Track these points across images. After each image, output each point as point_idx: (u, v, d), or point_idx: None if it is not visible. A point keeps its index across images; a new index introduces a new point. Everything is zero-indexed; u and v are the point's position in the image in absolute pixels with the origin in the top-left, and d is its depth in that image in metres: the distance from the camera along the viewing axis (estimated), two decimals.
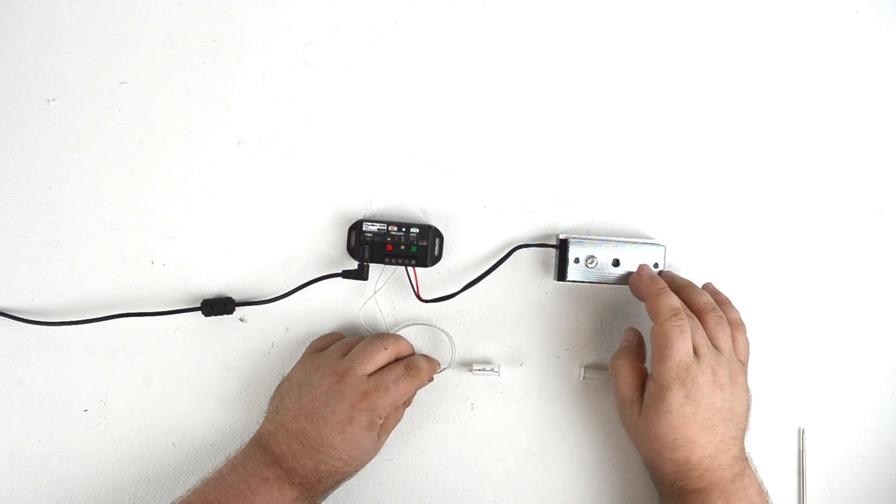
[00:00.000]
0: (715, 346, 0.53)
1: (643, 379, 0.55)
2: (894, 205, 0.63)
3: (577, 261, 0.58)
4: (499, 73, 0.60)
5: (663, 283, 0.55)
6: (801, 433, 0.63)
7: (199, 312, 0.59)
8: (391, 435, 0.57)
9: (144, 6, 0.59)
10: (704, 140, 0.61)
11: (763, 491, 0.54)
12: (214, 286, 0.60)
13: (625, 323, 0.61)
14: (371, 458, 0.56)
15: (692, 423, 0.51)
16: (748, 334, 0.56)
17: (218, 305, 0.59)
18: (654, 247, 0.59)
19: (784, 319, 0.62)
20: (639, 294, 0.57)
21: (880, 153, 0.62)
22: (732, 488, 0.52)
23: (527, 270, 0.61)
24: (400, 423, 0.58)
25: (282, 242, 0.60)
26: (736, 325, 0.55)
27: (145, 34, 0.59)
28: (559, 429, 0.62)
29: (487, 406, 0.61)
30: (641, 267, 0.58)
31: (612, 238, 0.58)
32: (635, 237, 0.60)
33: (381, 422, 0.54)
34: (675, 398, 0.50)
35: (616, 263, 0.58)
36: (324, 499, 0.55)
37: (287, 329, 0.61)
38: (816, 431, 0.63)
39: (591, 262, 0.58)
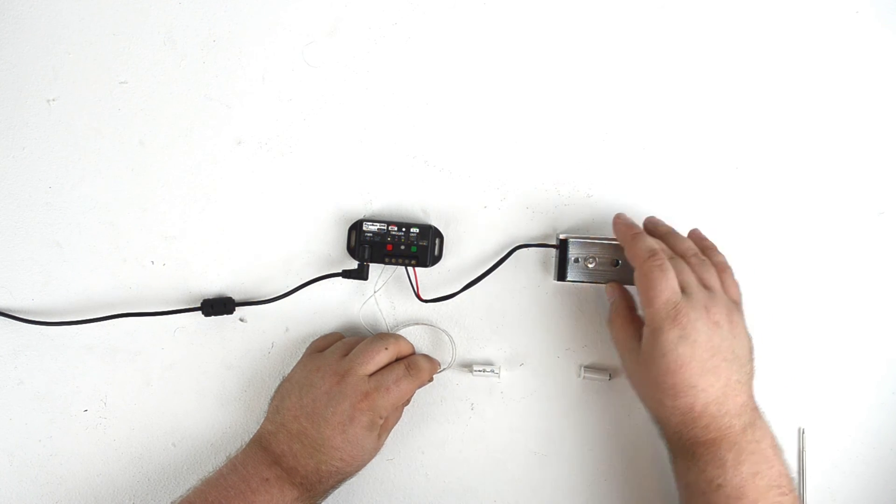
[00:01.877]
0: (704, 286, 0.50)
1: (637, 329, 0.52)
2: (894, 205, 0.63)
3: (576, 261, 0.58)
4: (499, 73, 0.60)
5: (639, 228, 0.54)
6: (801, 433, 0.63)
7: (199, 312, 0.59)
8: (391, 435, 0.57)
9: (144, 6, 0.59)
10: (704, 140, 0.61)
11: (777, 445, 0.50)
12: (214, 286, 0.60)
13: None
14: (371, 458, 0.56)
15: (691, 364, 0.47)
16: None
17: (218, 305, 0.59)
18: None
19: (784, 319, 0.62)
20: (619, 239, 0.55)
21: (880, 153, 0.62)
22: (743, 440, 0.48)
23: (527, 270, 0.61)
24: (400, 424, 0.58)
25: (282, 242, 0.60)
26: (722, 268, 0.53)
27: (145, 34, 0.59)
28: (559, 429, 0.61)
29: (487, 406, 0.61)
30: (617, 215, 0.55)
31: (612, 238, 0.58)
32: None
33: (381, 422, 0.54)
34: (669, 338, 0.47)
35: (616, 263, 0.58)
36: (324, 499, 0.55)
37: (287, 329, 0.61)
38: (816, 431, 0.63)
39: (591, 262, 0.58)
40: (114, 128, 0.59)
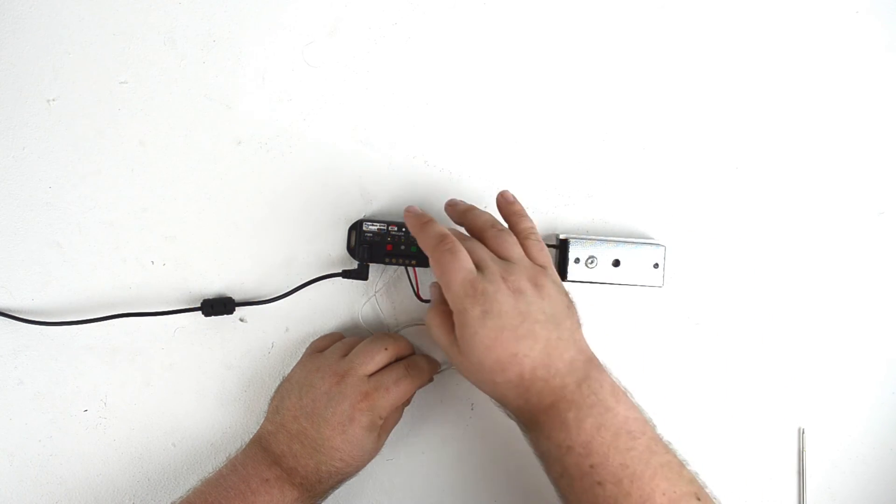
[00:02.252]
0: (502, 258, 0.50)
1: (451, 324, 0.51)
2: (894, 205, 0.63)
3: (577, 261, 0.58)
4: (499, 73, 0.60)
5: (427, 217, 0.52)
6: (801, 433, 0.63)
7: (199, 312, 0.59)
8: (391, 435, 0.57)
9: (144, 6, 0.59)
10: (704, 140, 0.61)
11: (618, 390, 0.49)
12: (214, 286, 0.60)
13: (624, 323, 0.61)
14: (371, 459, 0.55)
15: (503, 335, 0.46)
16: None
17: (218, 305, 0.59)
18: (654, 247, 0.59)
19: (784, 319, 0.62)
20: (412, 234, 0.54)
21: (880, 153, 0.62)
22: (580, 396, 0.47)
23: None
24: (400, 424, 0.58)
25: (282, 242, 0.60)
26: (525, 234, 0.52)
27: (145, 34, 0.59)
28: None
29: (487, 406, 0.61)
30: (406, 209, 0.54)
31: (612, 238, 0.58)
32: (635, 237, 0.60)
33: (381, 422, 0.54)
34: (474, 317, 0.47)
35: (616, 264, 0.58)
36: (324, 499, 0.55)
37: (287, 329, 0.61)
38: (816, 431, 0.63)
39: (592, 263, 0.58)
40: (114, 128, 0.59)
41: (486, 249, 0.50)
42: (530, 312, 0.47)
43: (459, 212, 0.54)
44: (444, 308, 0.51)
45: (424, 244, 0.51)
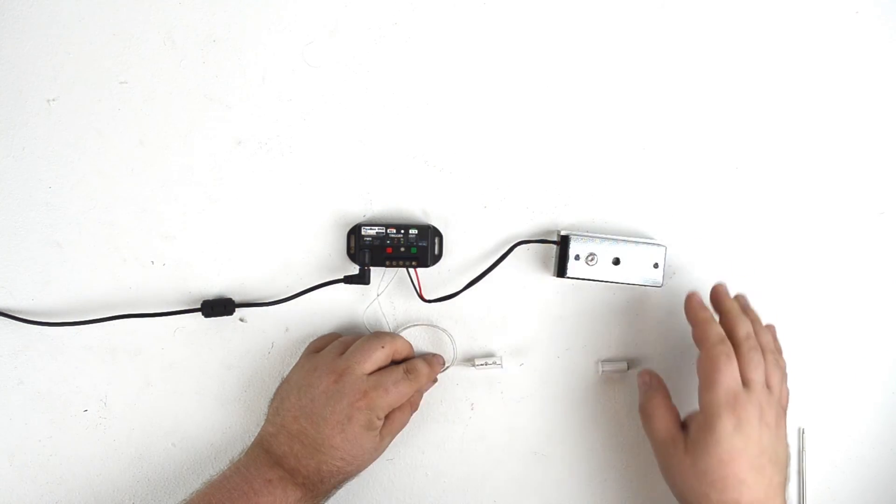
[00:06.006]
0: (767, 385, 0.52)
1: (677, 417, 0.54)
2: (894, 205, 0.63)
3: (577, 258, 0.58)
4: (499, 73, 0.60)
5: (710, 311, 0.55)
6: (801, 433, 0.63)
7: (199, 313, 0.59)
8: None
9: (144, 6, 0.59)
10: (704, 140, 0.61)
11: None
12: (214, 287, 0.60)
13: (624, 323, 0.61)
14: (373, 459, 0.56)
15: (742, 458, 0.48)
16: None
17: (218, 307, 0.59)
18: (654, 247, 0.59)
19: (784, 319, 0.62)
20: (689, 320, 0.56)
21: (880, 153, 0.62)
22: None
23: (528, 271, 0.61)
24: None
25: (282, 243, 0.60)
26: (783, 373, 0.55)
27: (145, 34, 0.59)
28: (559, 429, 0.62)
29: (487, 406, 0.61)
30: (690, 295, 0.56)
31: (613, 236, 0.58)
32: (636, 237, 0.60)
33: (380, 422, 0.54)
34: (726, 427, 0.48)
35: (616, 262, 0.58)
36: (327, 499, 0.55)
37: (287, 329, 0.61)
38: (816, 431, 0.63)
39: (592, 260, 0.58)
40: (114, 128, 0.59)
41: (761, 371, 0.51)
42: (767, 449, 0.49)
43: (750, 319, 0.55)
44: (667, 402, 0.54)
45: (703, 338, 0.53)
